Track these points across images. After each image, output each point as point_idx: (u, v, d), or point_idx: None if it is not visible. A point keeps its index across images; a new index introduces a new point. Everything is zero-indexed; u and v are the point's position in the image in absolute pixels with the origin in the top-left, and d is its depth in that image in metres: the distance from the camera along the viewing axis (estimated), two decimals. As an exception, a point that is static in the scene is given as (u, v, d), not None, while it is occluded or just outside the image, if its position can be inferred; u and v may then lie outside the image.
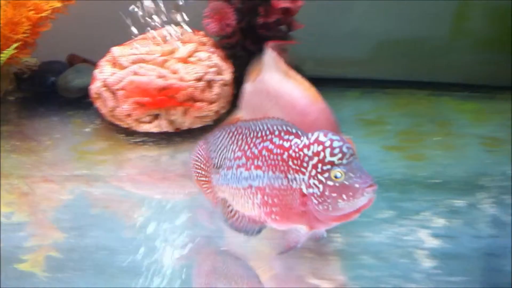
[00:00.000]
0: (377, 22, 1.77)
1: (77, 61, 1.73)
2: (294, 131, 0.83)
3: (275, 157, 0.82)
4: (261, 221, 0.87)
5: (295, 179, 0.82)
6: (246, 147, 0.85)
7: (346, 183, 0.79)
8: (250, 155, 0.84)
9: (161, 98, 1.34)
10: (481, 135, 1.43)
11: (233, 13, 1.54)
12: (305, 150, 0.81)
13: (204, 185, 0.94)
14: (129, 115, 1.36)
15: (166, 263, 0.96)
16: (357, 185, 0.79)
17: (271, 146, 0.83)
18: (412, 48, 1.78)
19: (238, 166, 0.86)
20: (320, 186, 0.80)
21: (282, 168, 0.82)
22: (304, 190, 0.81)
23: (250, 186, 0.85)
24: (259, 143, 0.84)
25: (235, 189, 0.87)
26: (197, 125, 1.40)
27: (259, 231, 0.89)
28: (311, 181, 0.80)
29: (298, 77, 1.06)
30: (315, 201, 0.80)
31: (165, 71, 1.38)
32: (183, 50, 1.46)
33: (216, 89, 1.42)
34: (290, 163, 0.81)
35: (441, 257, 0.96)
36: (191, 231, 1.07)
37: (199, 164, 0.94)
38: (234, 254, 1.00)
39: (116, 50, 1.46)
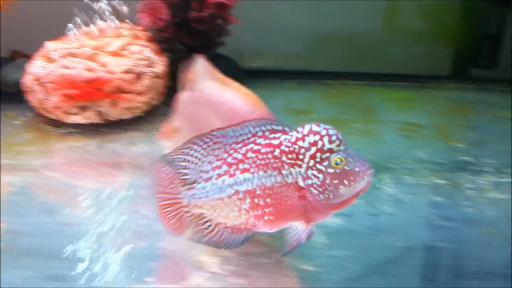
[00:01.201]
0: (313, 17, 1.83)
1: (19, 57, 1.77)
2: (280, 128, 0.82)
3: (264, 156, 0.81)
4: (247, 229, 0.86)
5: (290, 173, 0.81)
6: (226, 155, 0.83)
7: (347, 168, 0.80)
8: (232, 161, 0.83)
9: (89, 90, 1.39)
10: (401, 121, 1.49)
11: (165, 8, 1.59)
12: (300, 143, 0.80)
13: (167, 209, 0.89)
14: (58, 107, 1.40)
15: (93, 250, 0.99)
16: (357, 169, 0.79)
17: (257, 147, 0.82)
18: (345, 42, 1.84)
19: (219, 175, 0.84)
20: (320, 175, 0.80)
21: (275, 165, 0.81)
22: (301, 183, 0.81)
23: (237, 192, 0.83)
24: (241, 148, 0.83)
25: (217, 200, 0.84)
26: (127, 116, 1.45)
27: (243, 242, 0.87)
28: (309, 172, 0.80)
29: (236, 84, 1.05)
30: (315, 191, 0.80)
31: (94, 64, 1.42)
32: (115, 44, 1.51)
33: (145, 81, 1.46)
34: (284, 158, 0.81)
35: (334, 233, 1.01)
36: (118, 218, 1.09)
37: (160, 188, 0.89)
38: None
39: (49, 45, 1.50)
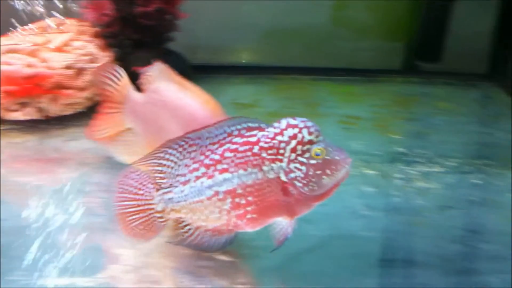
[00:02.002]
0: (263, 12, 1.84)
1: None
2: (256, 125, 0.82)
3: (243, 154, 0.81)
4: (229, 230, 0.86)
5: (272, 169, 0.81)
6: (203, 157, 0.83)
7: (328, 157, 0.80)
8: (210, 162, 0.82)
9: (28, 86, 1.38)
10: (343, 114, 1.51)
11: (109, 3, 1.58)
12: (279, 137, 0.80)
13: (133, 217, 0.87)
14: (-2, 104, 1.40)
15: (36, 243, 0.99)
16: (337, 158, 0.81)
17: (234, 146, 0.81)
18: (296, 36, 1.86)
19: (198, 178, 0.83)
20: (303, 167, 0.80)
21: (255, 162, 0.80)
22: (284, 178, 0.81)
23: (217, 193, 0.82)
24: (217, 148, 0.82)
25: (196, 203, 0.84)
26: (68, 112, 1.44)
27: (225, 243, 0.87)
28: (292, 165, 0.80)
29: (195, 88, 1.03)
30: (299, 184, 0.80)
31: (34, 60, 1.42)
32: (58, 40, 1.50)
33: (87, 77, 1.46)
34: (264, 154, 0.80)
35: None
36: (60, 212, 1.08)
37: (126, 195, 0.87)
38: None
39: (-9, 42, 1.50)
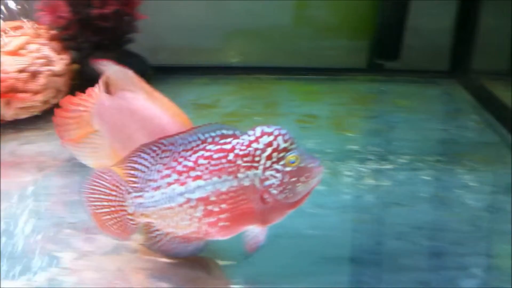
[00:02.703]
0: (225, 12, 1.84)
1: None
2: (230, 132, 0.82)
3: (217, 161, 0.80)
4: (198, 238, 0.85)
5: (247, 176, 0.80)
6: (175, 163, 0.82)
7: (302, 165, 0.81)
8: (182, 169, 0.82)
9: (-19, 91, 1.37)
10: (301, 113, 1.51)
11: (65, 5, 1.57)
12: (255, 145, 0.80)
13: (107, 216, 0.87)
14: (-49, 109, 1.38)
15: None
16: (311, 165, 0.81)
17: (208, 153, 0.81)
18: (258, 36, 1.86)
19: (169, 184, 0.82)
20: (278, 175, 0.80)
21: (230, 170, 0.80)
22: (259, 185, 0.81)
23: (188, 200, 0.81)
24: (190, 155, 0.82)
25: (167, 209, 0.83)
26: (23, 115, 1.43)
27: (193, 251, 0.87)
28: (267, 173, 0.80)
29: (165, 99, 1.01)
30: (274, 191, 0.81)
31: (-14, 64, 1.40)
32: (13, 43, 1.49)
33: (41, 80, 1.45)
34: (240, 161, 0.80)
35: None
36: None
37: (99, 195, 0.87)
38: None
39: None
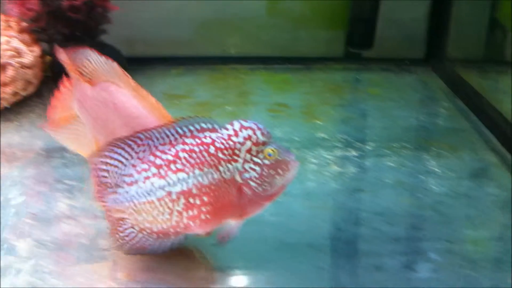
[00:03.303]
0: (199, 2, 1.83)
1: None
2: (209, 126, 0.82)
3: (199, 154, 0.81)
4: (176, 232, 0.84)
5: (228, 169, 0.81)
6: (153, 157, 0.81)
7: (280, 158, 0.82)
8: (162, 162, 0.81)
9: None
10: (273, 102, 1.51)
11: (35, -3, 1.56)
12: (234, 138, 0.81)
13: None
14: None
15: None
16: (288, 158, 0.83)
17: (189, 147, 0.81)
18: (233, 26, 1.85)
19: (147, 178, 0.81)
20: (257, 168, 0.81)
21: (211, 162, 0.81)
22: (238, 178, 0.82)
23: (169, 193, 0.81)
24: (169, 149, 0.81)
25: (145, 204, 0.82)
26: (-8, 107, 1.43)
27: (171, 247, 0.86)
28: (246, 165, 0.81)
29: (152, 99, 0.97)
30: (253, 184, 0.82)
31: (-46, 57, 1.40)
32: (-18, 36, 1.48)
33: (10, 72, 1.44)
34: (220, 154, 0.81)
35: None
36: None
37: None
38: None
39: None
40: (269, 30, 1.85)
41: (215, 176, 0.81)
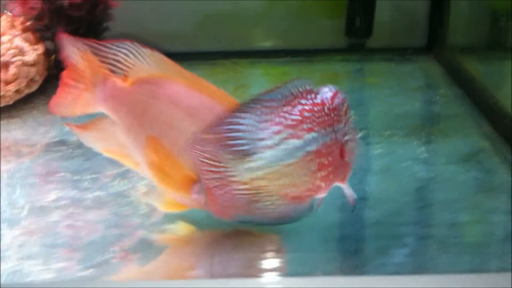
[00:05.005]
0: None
1: None
2: (313, 88, 0.81)
3: (319, 114, 0.78)
4: (308, 196, 0.82)
5: (338, 130, 0.80)
6: (282, 119, 0.78)
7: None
8: (292, 122, 0.78)
9: (-49, 81, 1.41)
10: (268, 94, 1.51)
11: (36, -4, 1.61)
12: (336, 100, 0.80)
13: (219, 192, 0.82)
14: None
15: None
16: None
17: (307, 107, 0.79)
18: (232, 20, 1.86)
19: (284, 139, 0.78)
20: (352, 131, 0.82)
21: (329, 122, 0.79)
22: (341, 139, 0.81)
23: (307, 153, 0.78)
24: (292, 109, 0.79)
25: (286, 166, 0.79)
26: (-4, 105, 1.48)
27: (305, 212, 0.84)
28: (347, 127, 0.81)
29: (212, 86, 0.92)
30: (350, 146, 0.82)
31: (-43, 56, 1.45)
32: (-15, 35, 1.53)
33: (12, 70, 1.49)
34: (332, 115, 0.79)
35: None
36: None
37: (207, 168, 0.82)
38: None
39: None
40: (269, 22, 1.85)
41: (333, 136, 0.79)
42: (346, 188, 0.85)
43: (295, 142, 0.78)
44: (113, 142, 1.01)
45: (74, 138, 1.31)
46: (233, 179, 0.80)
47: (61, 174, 1.16)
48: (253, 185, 0.80)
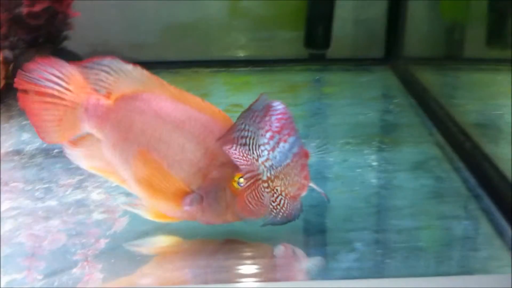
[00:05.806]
0: (161, 6, 1.86)
1: None
2: (273, 102, 0.85)
3: (287, 121, 0.84)
4: (298, 195, 0.86)
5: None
6: (268, 126, 0.84)
7: None
8: (277, 128, 0.84)
9: None
10: (229, 103, 1.52)
11: (-6, 5, 1.59)
12: (288, 111, 0.85)
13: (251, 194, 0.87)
14: None
15: None
16: None
17: (279, 116, 0.84)
18: (194, 30, 1.88)
19: (278, 143, 0.84)
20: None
21: (294, 128, 0.85)
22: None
23: (294, 155, 0.84)
24: (270, 118, 0.84)
25: (286, 167, 0.84)
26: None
27: (300, 209, 0.87)
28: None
29: (197, 99, 0.94)
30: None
31: None
32: None
33: (-33, 79, 1.47)
34: (292, 123, 0.85)
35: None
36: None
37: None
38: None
39: None
40: (230, 32, 1.88)
41: (300, 140, 0.85)
42: (315, 186, 0.89)
43: (285, 145, 0.85)
44: (100, 159, 0.99)
45: (29, 147, 1.32)
46: (259, 177, 0.86)
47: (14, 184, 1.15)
48: (274, 183, 0.85)
